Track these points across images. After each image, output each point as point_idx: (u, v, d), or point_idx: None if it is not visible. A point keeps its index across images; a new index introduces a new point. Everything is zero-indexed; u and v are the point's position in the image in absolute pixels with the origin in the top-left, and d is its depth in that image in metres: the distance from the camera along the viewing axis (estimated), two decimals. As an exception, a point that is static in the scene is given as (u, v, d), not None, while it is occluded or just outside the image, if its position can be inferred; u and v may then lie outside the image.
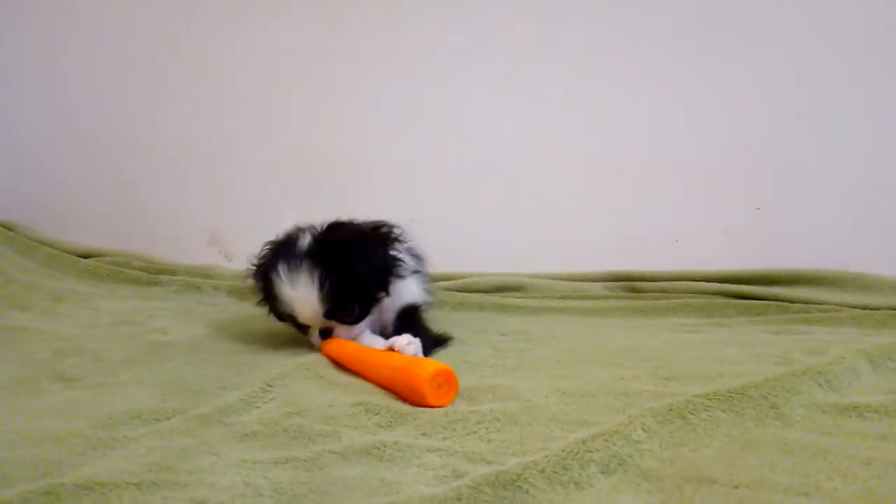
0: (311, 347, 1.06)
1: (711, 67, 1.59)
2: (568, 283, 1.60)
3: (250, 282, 1.14)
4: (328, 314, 1.02)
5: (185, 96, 2.06)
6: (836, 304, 1.31)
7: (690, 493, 0.54)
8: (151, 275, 1.76)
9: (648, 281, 1.56)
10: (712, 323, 1.28)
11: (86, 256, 1.91)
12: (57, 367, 1.00)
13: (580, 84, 1.70)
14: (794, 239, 1.54)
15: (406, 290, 1.14)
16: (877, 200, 1.50)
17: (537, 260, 1.71)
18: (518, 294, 1.59)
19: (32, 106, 2.24)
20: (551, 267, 1.68)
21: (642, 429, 0.65)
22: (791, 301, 1.35)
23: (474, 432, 0.72)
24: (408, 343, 0.95)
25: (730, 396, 0.72)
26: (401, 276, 1.11)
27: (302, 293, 1.01)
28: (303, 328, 1.08)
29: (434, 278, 1.56)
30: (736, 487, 0.55)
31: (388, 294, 1.08)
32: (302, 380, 0.91)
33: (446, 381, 0.82)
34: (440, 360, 0.89)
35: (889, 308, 1.24)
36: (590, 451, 0.60)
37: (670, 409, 0.70)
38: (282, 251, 1.05)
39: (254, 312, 1.15)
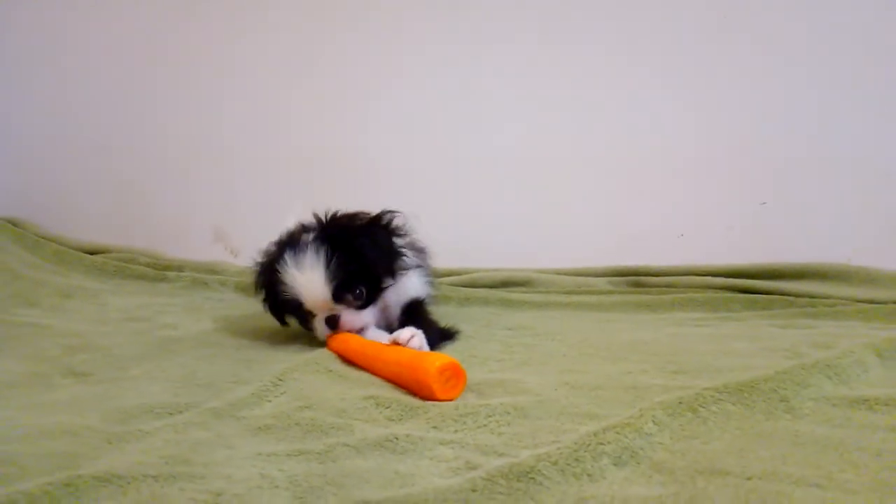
0: (317, 342, 1.06)
1: (716, 65, 1.59)
2: (573, 278, 1.60)
3: (254, 279, 1.14)
4: (335, 296, 1.02)
5: (188, 95, 2.07)
6: (842, 298, 1.32)
7: (703, 485, 0.55)
8: (158, 271, 1.77)
9: (653, 276, 1.56)
10: (718, 317, 1.29)
11: (92, 253, 1.92)
12: (68, 363, 1.00)
13: (585, 81, 1.70)
14: (797, 233, 1.55)
15: (410, 285, 1.14)
16: (880, 195, 1.50)
17: (542, 255, 1.71)
18: (524, 289, 1.59)
19: (38, 105, 2.25)
20: (556, 262, 1.69)
21: (653, 421, 0.66)
22: (796, 295, 1.36)
23: (485, 425, 0.72)
24: (411, 336, 0.95)
25: (740, 389, 0.73)
26: (405, 267, 1.11)
27: (308, 274, 1.01)
28: (307, 321, 1.07)
29: (439, 274, 1.57)
30: (748, 479, 0.55)
31: (394, 280, 1.09)
32: (311, 374, 0.91)
33: (454, 375, 0.82)
34: (448, 354, 0.90)
35: (895, 302, 1.24)
36: (602, 444, 0.61)
37: (680, 402, 0.70)
38: (287, 243, 1.06)
39: (261, 308, 1.15)
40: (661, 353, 0.99)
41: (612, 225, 1.70)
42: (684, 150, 1.63)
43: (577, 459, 0.58)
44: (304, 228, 1.10)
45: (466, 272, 1.69)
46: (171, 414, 0.78)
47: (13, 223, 1.99)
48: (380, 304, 1.10)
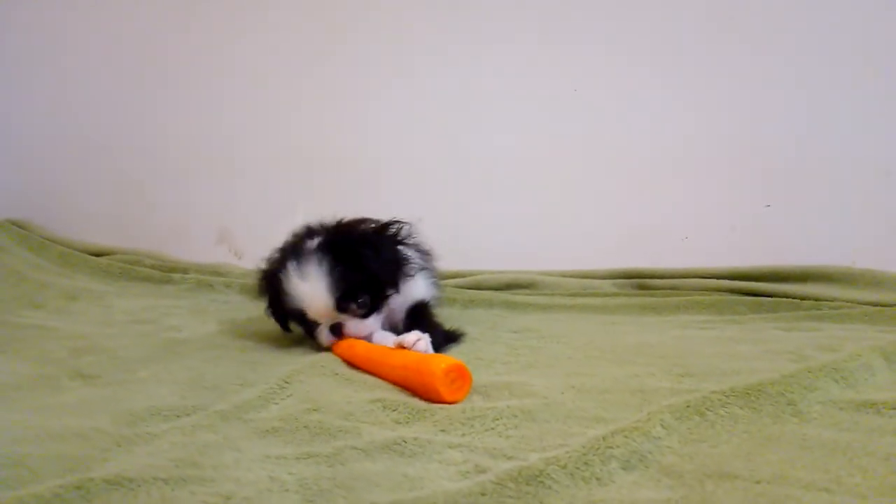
0: (322, 349, 1.05)
1: (721, 66, 1.59)
2: (578, 281, 1.60)
3: (257, 286, 1.14)
4: (339, 306, 1.02)
5: (191, 96, 2.07)
6: (847, 301, 1.32)
7: (712, 489, 0.55)
8: (163, 273, 1.77)
9: (658, 278, 1.56)
10: (724, 320, 1.29)
11: (97, 255, 1.92)
12: (75, 365, 1.00)
13: (589, 82, 1.70)
14: (800, 235, 1.55)
15: (414, 288, 1.14)
16: (884, 197, 1.50)
17: (546, 257, 1.71)
18: (528, 291, 1.59)
19: (41, 107, 2.25)
20: (560, 264, 1.69)
21: (661, 425, 0.66)
22: (801, 298, 1.36)
23: (493, 428, 0.72)
24: (417, 340, 0.95)
25: (747, 393, 0.73)
26: (410, 274, 1.11)
27: (312, 284, 1.01)
28: (312, 329, 1.07)
29: (443, 276, 1.57)
30: (757, 483, 0.55)
31: (398, 291, 1.09)
32: (317, 376, 0.91)
33: (460, 377, 0.82)
34: (453, 356, 0.90)
35: (900, 305, 1.24)
36: (610, 448, 0.61)
37: (688, 406, 0.70)
38: (291, 251, 1.06)
39: (265, 312, 1.15)
40: (667, 356, 0.99)
41: (616, 227, 1.70)
42: (687, 152, 1.64)
43: (585, 463, 0.58)
44: (308, 234, 1.10)
45: (470, 274, 1.69)
46: (178, 416, 0.78)
47: (18, 225, 2.00)
48: (384, 309, 1.10)
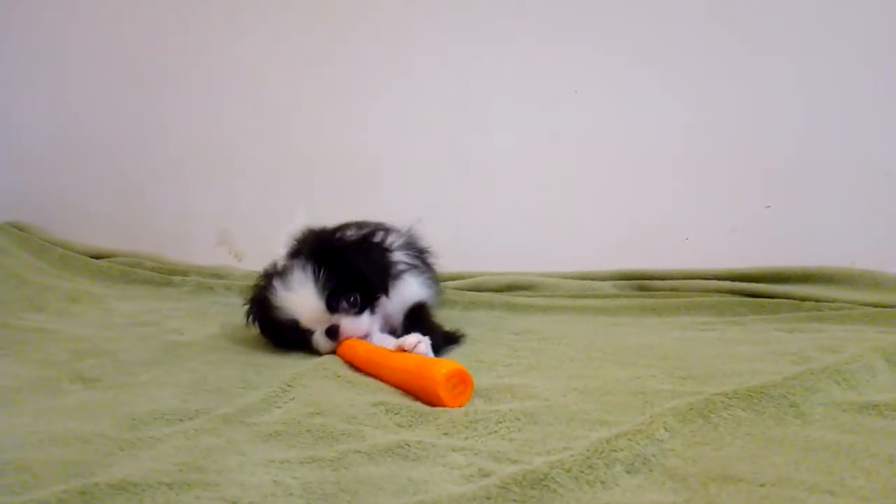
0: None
1: (721, 66, 1.59)
2: (578, 282, 1.61)
3: (246, 315, 1.13)
4: (329, 305, 1.02)
5: (190, 98, 2.07)
6: (848, 302, 1.32)
7: (716, 491, 0.55)
8: (164, 275, 1.77)
9: (658, 279, 1.56)
10: (725, 321, 1.29)
11: (97, 257, 1.92)
12: (76, 368, 1.00)
13: (589, 82, 1.70)
14: (801, 236, 1.55)
15: (409, 290, 1.15)
16: (884, 198, 1.50)
17: (546, 258, 1.71)
18: (528, 293, 1.59)
19: (41, 109, 2.25)
20: (560, 266, 1.69)
21: (664, 428, 0.66)
22: (802, 299, 1.36)
23: (496, 431, 0.72)
24: (417, 342, 0.95)
25: (749, 395, 0.73)
26: (398, 278, 1.12)
27: (299, 291, 1.02)
28: (308, 339, 1.05)
29: (443, 277, 1.57)
30: (761, 485, 0.55)
31: (387, 294, 1.09)
32: (320, 379, 0.91)
33: (461, 382, 0.82)
34: (454, 359, 0.90)
35: (901, 306, 1.24)
36: (614, 451, 0.61)
37: (691, 409, 0.70)
38: (273, 272, 1.08)
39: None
40: (669, 358, 0.99)
41: (616, 227, 1.70)
42: (687, 152, 1.64)
43: (590, 467, 0.59)
44: (292, 253, 1.11)
45: (470, 276, 1.69)
46: (181, 420, 0.78)
47: (18, 227, 2.00)
48: (380, 310, 1.10)
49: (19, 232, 1.95)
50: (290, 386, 0.87)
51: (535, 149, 1.75)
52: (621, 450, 0.61)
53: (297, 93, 1.96)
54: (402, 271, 1.16)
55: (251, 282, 1.19)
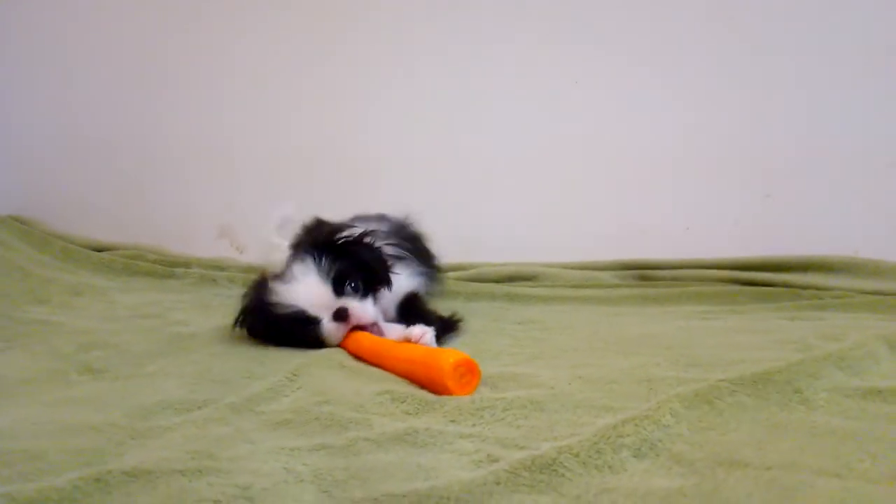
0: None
1: (721, 67, 1.60)
2: (580, 272, 1.61)
3: (242, 325, 1.10)
4: (335, 289, 1.02)
5: (192, 94, 2.07)
6: (849, 290, 1.32)
7: (724, 476, 0.55)
8: (166, 268, 1.77)
9: (660, 269, 1.57)
10: (726, 310, 1.29)
11: (99, 250, 1.92)
12: (83, 360, 1.01)
13: (589, 82, 1.70)
14: (802, 226, 1.56)
15: (399, 282, 1.15)
16: (886, 188, 1.51)
17: (547, 249, 1.72)
18: (530, 283, 1.60)
19: (43, 104, 2.25)
20: (561, 256, 1.70)
21: (670, 414, 0.67)
22: (803, 287, 1.36)
23: (502, 419, 0.73)
24: (423, 333, 0.96)
25: (754, 381, 0.74)
26: (394, 272, 1.13)
27: (304, 280, 1.03)
28: (315, 330, 1.03)
29: (445, 268, 1.58)
30: (768, 469, 0.56)
31: (388, 285, 1.10)
32: (325, 369, 0.92)
33: (468, 371, 0.83)
34: (459, 349, 0.90)
35: (903, 294, 1.25)
36: (621, 436, 0.62)
37: (696, 395, 0.71)
38: (266, 279, 1.08)
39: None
40: (672, 346, 0.99)
41: (618, 218, 1.71)
42: (689, 144, 1.64)
43: (597, 452, 0.59)
44: (293, 248, 1.13)
45: (472, 266, 1.70)
46: (189, 410, 0.78)
47: (20, 221, 2.00)
48: (379, 300, 1.10)
49: (21, 225, 1.95)
50: (295, 375, 0.88)
51: (536, 147, 1.75)
52: (628, 435, 0.62)
53: (297, 93, 1.96)
54: (399, 264, 1.17)
55: (252, 276, 1.19)
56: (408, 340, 0.97)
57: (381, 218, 1.36)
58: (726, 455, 0.59)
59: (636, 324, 1.20)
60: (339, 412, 0.75)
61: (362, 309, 1.03)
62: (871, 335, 0.89)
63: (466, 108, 1.80)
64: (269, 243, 1.42)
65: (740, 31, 1.58)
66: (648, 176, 1.67)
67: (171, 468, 0.58)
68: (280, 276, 1.08)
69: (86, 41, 2.17)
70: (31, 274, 1.58)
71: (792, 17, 1.53)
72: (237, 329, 1.10)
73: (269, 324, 1.05)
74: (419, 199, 1.75)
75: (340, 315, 1.02)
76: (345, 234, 1.11)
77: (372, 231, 1.14)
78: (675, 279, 1.51)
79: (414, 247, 1.30)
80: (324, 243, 1.07)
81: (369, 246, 1.12)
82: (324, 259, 1.04)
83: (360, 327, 1.04)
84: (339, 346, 1.03)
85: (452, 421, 0.73)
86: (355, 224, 1.27)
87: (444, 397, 0.80)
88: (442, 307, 1.21)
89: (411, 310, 1.13)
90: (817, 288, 1.36)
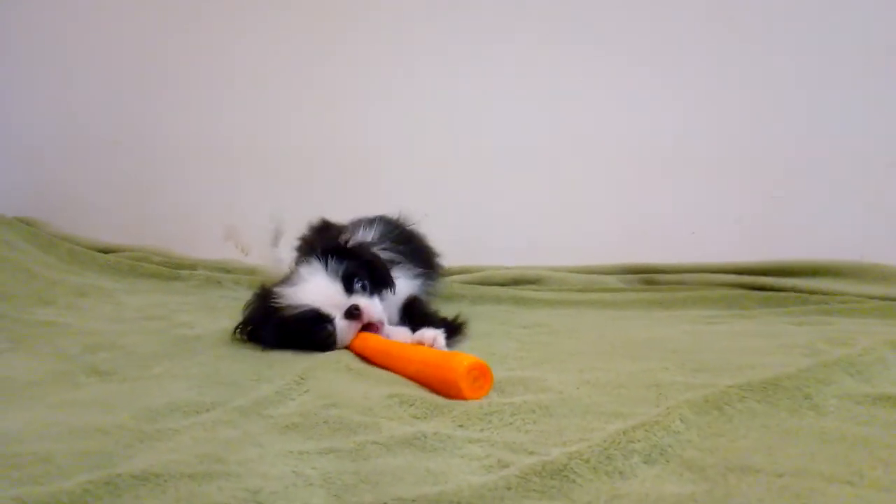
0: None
1: (721, 67, 1.60)
2: (585, 276, 1.61)
3: (247, 332, 1.10)
4: (346, 286, 1.03)
5: (195, 96, 2.08)
6: (856, 295, 1.32)
7: (735, 482, 0.55)
8: (171, 269, 1.78)
9: (665, 273, 1.56)
10: (733, 314, 1.29)
11: (104, 252, 1.93)
12: (90, 361, 1.01)
13: (590, 82, 1.70)
14: (808, 230, 1.56)
15: (401, 285, 1.15)
16: (891, 191, 1.50)
17: (552, 253, 1.72)
18: (535, 287, 1.60)
19: (47, 107, 2.26)
20: (566, 260, 1.70)
21: (680, 419, 0.66)
22: (810, 292, 1.36)
23: (511, 423, 0.73)
24: (434, 336, 0.97)
25: (763, 387, 0.74)
26: (395, 276, 1.14)
27: (314, 280, 1.03)
28: (327, 330, 1.03)
29: (450, 272, 1.58)
30: (780, 476, 0.56)
31: (392, 287, 1.11)
32: (332, 372, 0.92)
33: (482, 375, 0.83)
34: (465, 352, 0.90)
35: (911, 299, 1.25)
36: (631, 442, 0.62)
37: (706, 401, 0.71)
38: (268, 289, 1.08)
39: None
40: (679, 351, 0.99)
41: (623, 222, 1.71)
42: (693, 147, 1.64)
43: (608, 457, 0.59)
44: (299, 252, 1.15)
45: (477, 270, 1.70)
46: (197, 412, 0.78)
47: (26, 222, 2.00)
48: (384, 301, 1.11)
49: (27, 227, 1.95)
50: (303, 378, 0.88)
51: (538, 147, 1.75)
52: (638, 441, 0.62)
53: (297, 93, 1.96)
54: (398, 269, 1.18)
55: (257, 278, 1.20)
56: (420, 343, 0.97)
57: (380, 220, 1.36)
58: (737, 461, 0.59)
59: (643, 328, 1.20)
60: (348, 415, 0.75)
61: (373, 306, 1.04)
62: (879, 340, 0.89)
63: (466, 108, 1.80)
64: (272, 255, 1.44)
65: (740, 31, 1.57)
66: (650, 177, 1.67)
67: (181, 471, 0.58)
68: (286, 281, 1.08)
69: (88, 42, 2.18)
70: (37, 275, 1.58)
71: (792, 17, 1.53)
72: (239, 336, 1.11)
73: (278, 328, 1.04)
74: (420, 199, 1.75)
75: (352, 312, 1.02)
76: (344, 237, 1.13)
77: (364, 240, 1.17)
78: (680, 283, 1.51)
79: (410, 249, 1.30)
80: (330, 245, 1.09)
81: (370, 249, 1.14)
82: (330, 260, 1.05)
83: (367, 327, 1.04)
84: (346, 347, 1.03)
85: (461, 425, 0.73)
86: (354, 227, 1.28)
87: (453, 402, 0.80)
88: (447, 310, 1.21)
89: (415, 313, 1.13)
90: (824, 293, 1.35)
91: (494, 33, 1.76)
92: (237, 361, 1.02)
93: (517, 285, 1.61)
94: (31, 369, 0.97)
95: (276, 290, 1.06)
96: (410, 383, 0.88)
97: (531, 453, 0.64)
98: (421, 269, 1.28)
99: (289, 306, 1.03)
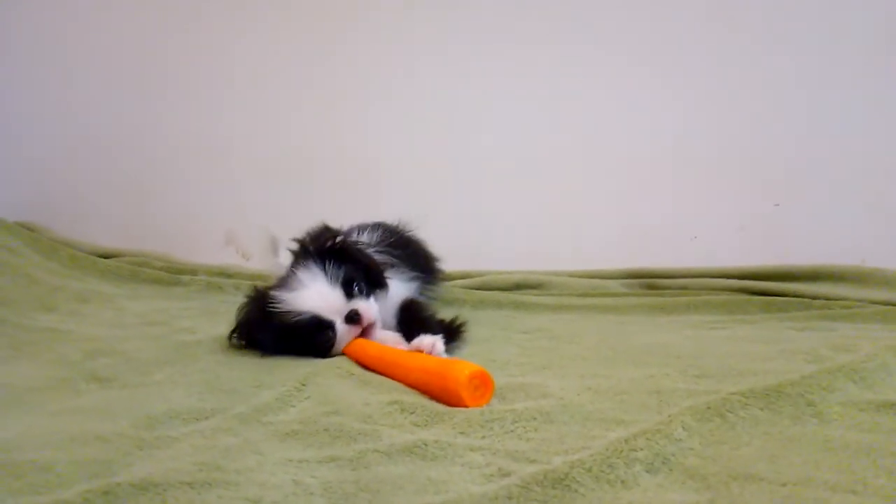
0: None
1: (728, 66, 1.60)
2: (587, 281, 1.61)
3: (241, 338, 1.10)
4: (346, 290, 1.04)
5: (195, 99, 2.08)
6: (858, 300, 1.32)
7: (738, 491, 0.55)
8: (172, 275, 1.78)
9: (666, 278, 1.56)
10: (735, 320, 1.29)
11: (105, 257, 1.93)
12: (90, 368, 1.00)
13: (590, 83, 1.70)
14: (810, 235, 1.55)
15: (395, 288, 1.16)
16: (892, 196, 1.50)
17: (553, 257, 1.72)
18: (536, 292, 1.59)
19: (47, 111, 2.26)
20: (567, 264, 1.69)
21: (682, 427, 0.66)
22: (812, 297, 1.35)
23: (512, 431, 0.72)
24: (433, 343, 0.96)
25: (766, 394, 0.73)
26: (389, 277, 1.14)
27: (314, 286, 1.03)
28: (327, 334, 1.03)
29: (450, 276, 1.57)
30: (783, 485, 0.55)
31: (385, 287, 1.11)
32: (333, 378, 0.91)
33: (483, 383, 0.82)
34: (466, 359, 0.90)
35: (914, 304, 1.24)
36: (633, 450, 0.61)
37: (708, 408, 0.70)
38: (265, 290, 1.08)
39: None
40: (682, 357, 0.99)
41: (624, 227, 1.70)
42: (695, 152, 1.64)
43: (610, 466, 0.59)
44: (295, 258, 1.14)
45: (478, 274, 1.69)
46: (197, 419, 0.78)
47: (27, 227, 2.00)
48: (378, 302, 1.11)
49: (28, 232, 1.95)
50: (303, 385, 0.87)
51: (539, 149, 1.75)
52: (640, 449, 0.61)
53: (297, 93, 1.97)
54: (391, 271, 1.19)
55: (257, 283, 1.19)
56: (419, 350, 0.96)
57: (377, 226, 1.36)
58: (740, 469, 0.59)
59: (644, 333, 1.20)
60: (348, 423, 0.74)
61: (370, 309, 1.05)
62: (882, 346, 0.88)
63: (466, 108, 1.80)
64: (273, 262, 1.45)
65: (740, 31, 1.57)
66: (651, 180, 1.67)
67: (180, 480, 0.58)
68: (282, 285, 1.07)
69: (87, 43, 2.18)
70: (38, 281, 1.58)
71: (792, 17, 1.53)
72: (233, 342, 1.10)
73: (277, 333, 1.04)
74: (420, 201, 1.76)
75: (353, 318, 1.03)
76: (339, 240, 1.13)
77: (358, 242, 1.18)
78: (682, 288, 1.51)
79: (407, 253, 1.30)
80: (328, 249, 1.09)
81: (363, 250, 1.15)
82: (328, 264, 1.05)
83: (363, 331, 1.04)
84: (343, 353, 1.03)
85: (462, 433, 0.72)
86: (351, 232, 1.29)
87: (454, 409, 0.79)
88: (447, 315, 1.21)
89: (411, 316, 1.13)
90: (826, 297, 1.35)
91: (494, 33, 1.76)
92: (237, 367, 1.01)
93: (518, 290, 1.60)
94: (32, 376, 0.96)
95: (274, 294, 1.05)
96: (411, 390, 0.87)
97: (532, 461, 0.63)
98: (417, 273, 1.28)
99: (289, 312, 1.03)
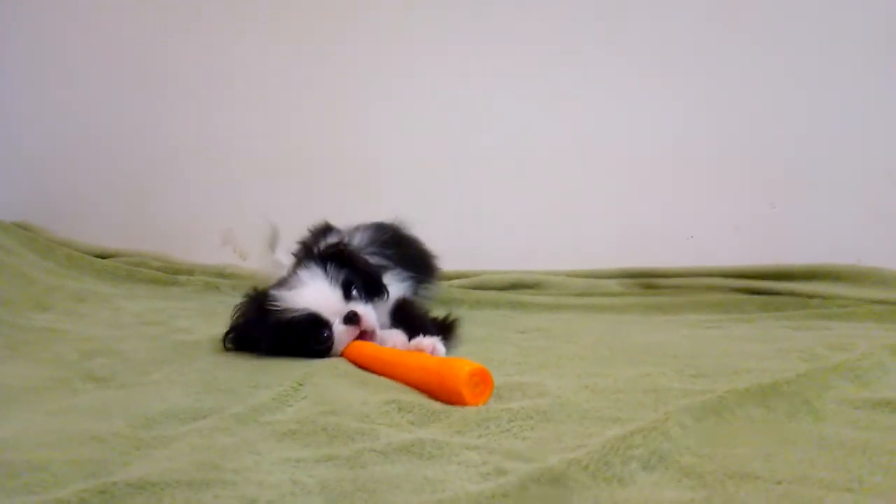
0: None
1: (726, 67, 1.60)
2: (584, 280, 1.61)
3: (238, 339, 1.09)
4: (345, 293, 1.04)
5: (192, 99, 2.08)
6: (854, 299, 1.32)
7: (734, 489, 0.55)
8: (169, 275, 1.78)
9: (663, 277, 1.56)
10: (731, 318, 1.29)
11: (102, 257, 1.92)
12: (87, 368, 1.00)
13: (590, 82, 1.70)
14: (806, 234, 1.56)
15: (392, 288, 1.16)
16: (889, 196, 1.51)
17: (550, 257, 1.72)
18: (534, 291, 1.60)
19: (45, 111, 2.26)
20: (564, 264, 1.70)
21: (678, 425, 0.66)
22: (808, 296, 1.36)
23: (509, 430, 0.72)
24: (432, 343, 0.97)
25: (762, 392, 0.73)
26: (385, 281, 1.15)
27: (314, 286, 1.04)
28: (325, 335, 1.03)
29: (447, 276, 1.58)
30: (779, 483, 0.55)
31: (385, 292, 1.12)
32: (330, 378, 0.91)
33: (483, 381, 0.82)
34: (462, 357, 0.90)
35: (909, 303, 1.25)
36: (629, 448, 0.61)
37: (704, 406, 0.71)
38: (262, 293, 1.08)
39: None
40: (678, 356, 0.99)
41: (621, 226, 1.71)
42: (692, 152, 1.64)
43: (606, 464, 0.59)
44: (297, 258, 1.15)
45: (475, 274, 1.70)
46: (194, 419, 0.78)
47: (23, 227, 2.00)
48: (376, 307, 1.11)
49: (25, 232, 1.95)
50: (300, 385, 0.87)
51: (538, 149, 1.75)
52: (637, 447, 0.61)
53: (297, 93, 1.96)
54: (386, 272, 1.20)
55: (256, 282, 1.20)
56: (419, 350, 0.96)
57: (373, 225, 1.37)
58: (736, 468, 0.59)
59: (641, 332, 1.20)
60: (345, 422, 0.74)
61: (368, 311, 1.05)
62: (878, 345, 0.89)
63: (466, 108, 1.80)
64: (270, 259, 1.45)
65: (740, 31, 1.58)
66: (649, 180, 1.68)
67: (177, 480, 0.58)
68: (281, 284, 1.08)
69: (87, 43, 2.18)
70: (34, 281, 1.57)
71: (792, 17, 1.54)
72: (227, 346, 1.09)
73: (273, 331, 1.04)
74: (419, 200, 1.76)
75: (351, 318, 1.03)
76: (343, 243, 1.15)
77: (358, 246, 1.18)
78: (679, 287, 1.51)
79: (402, 252, 1.31)
80: (329, 251, 1.10)
81: (364, 257, 1.16)
82: (330, 265, 1.06)
83: (361, 335, 1.04)
84: (340, 354, 1.03)
85: (458, 432, 0.72)
86: (349, 231, 1.29)
87: (451, 408, 0.79)
88: (441, 314, 1.21)
89: (405, 315, 1.13)
90: (823, 297, 1.35)
91: (494, 33, 1.76)
92: (234, 367, 1.01)
93: (515, 289, 1.61)
94: (28, 375, 0.96)
95: (272, 293, 1.06)
96: (408, 389, 0.88)
97: (529, 460, 0.63)
98: (411, 273, 1.28)
99: (287, 309, 1.03)
